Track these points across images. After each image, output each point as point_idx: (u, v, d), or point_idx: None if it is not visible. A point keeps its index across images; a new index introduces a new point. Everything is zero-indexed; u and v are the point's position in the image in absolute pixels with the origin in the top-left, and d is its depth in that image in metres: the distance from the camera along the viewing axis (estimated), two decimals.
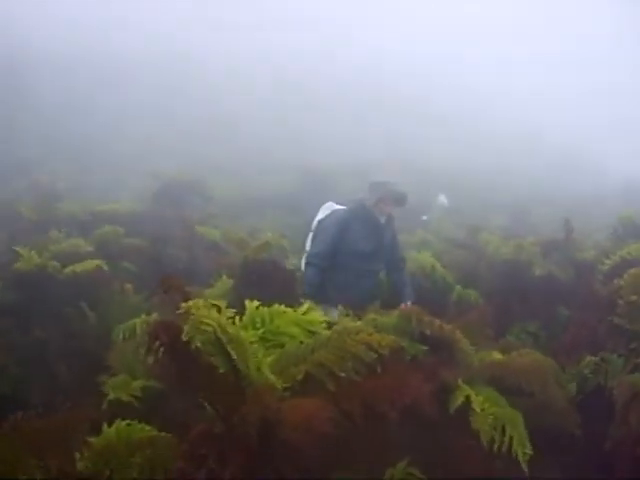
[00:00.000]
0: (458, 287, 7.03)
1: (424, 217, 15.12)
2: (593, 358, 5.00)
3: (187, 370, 3.02)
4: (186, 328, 2.97)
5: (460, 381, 3.98)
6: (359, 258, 6.35)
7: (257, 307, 3.53)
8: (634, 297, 4.89)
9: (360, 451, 3.19)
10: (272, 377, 3.05)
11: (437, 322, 4.25)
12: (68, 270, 7.09)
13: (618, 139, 36.04)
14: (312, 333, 3.53)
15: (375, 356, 3.29)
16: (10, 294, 6.95)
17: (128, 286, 7.14)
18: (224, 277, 6.64)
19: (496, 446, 3.64)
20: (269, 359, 3.30)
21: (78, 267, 7.05)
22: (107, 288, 7.18)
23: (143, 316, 5.79)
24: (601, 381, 4.87)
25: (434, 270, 7.36)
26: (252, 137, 23.93)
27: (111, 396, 4.62)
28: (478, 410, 3.76)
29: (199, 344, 2.91)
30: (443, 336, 4.22)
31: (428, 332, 4.22)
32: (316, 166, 16.81)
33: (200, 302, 3.08)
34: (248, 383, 2.99)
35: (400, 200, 6.48)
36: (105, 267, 7.24)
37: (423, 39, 44.13)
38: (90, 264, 7.11)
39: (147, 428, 3.56)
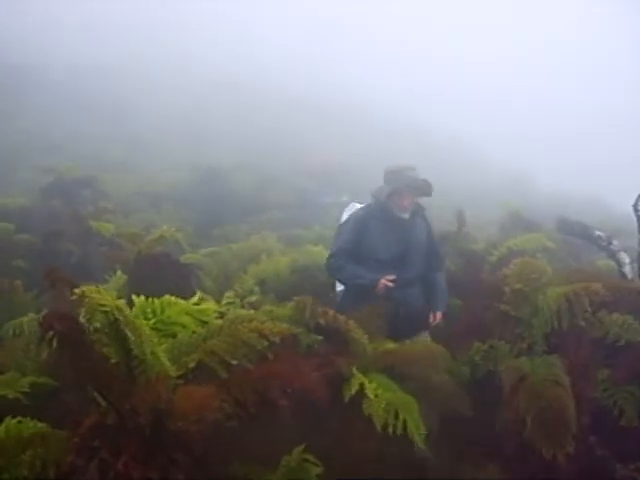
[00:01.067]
0: None
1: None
2: (482, 345, 5.19)
3: (80, 361, 2.97)
4: (83, 311, 2.93)
5: (354, 369, 4.07)
6: (382, 267, 5.17)
7: (147, 298, 3.51)
8: (519, 285, 5.10)
9: (255, 438, 3.22)
10: (168, 363, 3.04)
11: (331, 312, 4.33)
12: None
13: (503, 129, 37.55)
14: (204, 323, 3.54)
15: (267, 344, 3.33)
16: None
17: (17, 283, 6.91)
18: (118, 272, 6.52)
19: (390, 430, 3.75)
20: (162, 347, 3.26)
21: None
22: None
23: (31, 314, 5.67)
24: (491, 366, 5.05)
25: None
26: (152, 134, 23.53)
27: None
28: (371, 396, 3.86)
29: (98, 325, 2.88)
30: (337, 326, 4.31)
31: (323, 322, 4.31)
32: (214, 163, 16.67)
33: (94, 288, 3.04)
34: (141, 372, 2.98)
35: (421, 188, 5.30)
36: None
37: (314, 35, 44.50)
38: None
39: (39, 425, 3.49)
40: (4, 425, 3.45)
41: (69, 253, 8.88)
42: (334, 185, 18.82)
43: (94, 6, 36.62)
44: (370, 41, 47.97)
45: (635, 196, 6.68)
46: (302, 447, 3.39)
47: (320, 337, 4.27)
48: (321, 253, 7.53)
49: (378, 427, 3.74)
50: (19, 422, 3.49)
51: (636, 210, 6.67)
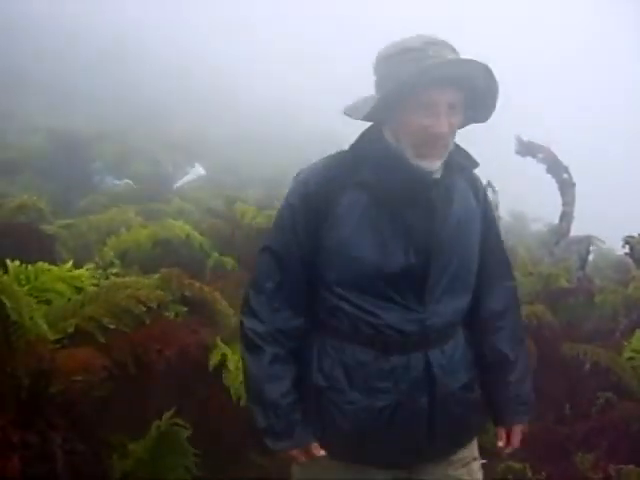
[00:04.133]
0: (215, 254, 7.23)
1: (177, 184, 15.11)
2: None
3: None
4: None
5: (219, 340, 4.21)
6: (375, 293, 2.34)
7: (21, 263, 3.53)
8: None
9: (129, 401, 3.33)
10: (45, 327, 3.08)
11: (197, 284, 4.46)
12: None
13: None
14: (79, 289, 3.58)
15: (144, 309, 3.42)
16: None
17: None
18: None
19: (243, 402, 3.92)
20: (39, 313, 3.29)
21: None
22: None
23: None
24: None
25: (190, 238, 7.49)
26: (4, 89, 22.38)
27: None
28: (232, 368, 4.02)
29: None
30: (203, 298, 4.44)
31: (188, 294, 4.43)
32: (74, 129, 16.15)
33: None
34: (19, 336, 3.01)
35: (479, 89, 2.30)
36: None
37: None
38: None
39: None
40: None
41: None
42: (194, 156, 18.70)
43: None
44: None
45: None
46: (172, 411, 3.50)
47: (185, 308, 4.38)
48: (182, 228, 7.58)
49: (234, 398, 3.91)
50: None
51: None
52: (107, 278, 4.97)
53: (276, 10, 51.27)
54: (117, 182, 14.31)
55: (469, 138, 2.72)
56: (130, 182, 14.45)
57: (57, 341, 3.17)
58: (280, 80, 39.16)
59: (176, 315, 4.24)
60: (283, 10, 51.39)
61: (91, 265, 6.09)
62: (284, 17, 51.39)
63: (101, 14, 36.33)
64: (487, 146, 12.99)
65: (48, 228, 7.93)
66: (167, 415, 3.45)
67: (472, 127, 2.48)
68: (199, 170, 16.64)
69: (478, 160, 2.53)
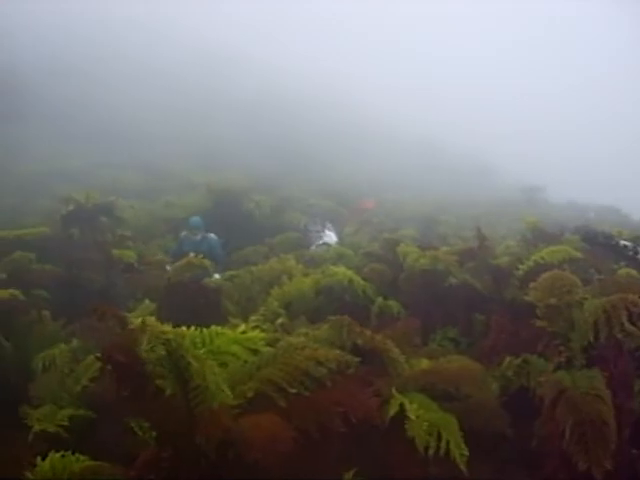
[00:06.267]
0: (379, 299, 7.07)
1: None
2: (515, 360, 5.14)
3: (140, 393, 2.93)
4: (145, 340, 2.90)
5: (394, 390, 4.04)
6: None
7: (196, 328, 3.49)
8: (553, 300, 5.05)
9: (312, 465, 3.19)
10: (229, 392, 3.01)
11: (368, 332, 4.31)
12: None
13: (512, 142, 37.68)
14: (254, 351, 3.50)
15: (325, 371, 3.30)
16: None
17: (45, 313, 6.92)
18: (146, 300, 6.50)
19: (432, 451, 3.72)
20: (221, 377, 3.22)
21: None
22: (23, 317, 6.94)
23: (62, 345, 5.67)
24: (524, 381, 5.01)
25: (352, 283, 7.38)
26: (166, 159, 23.64)
27: (37, 428, 4.47)
28: (413, 417, 3.82)
29: (163, 353, 2.83)
30: (374, 346, 4.28)
31: (360, 343, 4.28)
32: (229, 185, 16.68)
33: (152, 318, 3.03)
34: (199, 402, 2.94)
35: None
36: (20, 296, 6.99)
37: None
38: (4, 293, 6.86)
39: (81, 458, 3.46)
40: (48, 460, 3.41)
41: (92, 281, 8.89)
42: None
43: None
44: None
45: None
46: (352, 472, 3.34)
47: (358, 358, 4.23)
48: (345, 273, 7.48)
49: (420, 449, 3.70)
50: (62, 456, 3.46)
51: None
52: (275, 331, 4.91)
53: None
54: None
55: None
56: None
57: (237, 405, 3.09)
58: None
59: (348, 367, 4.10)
60: None
61: (257, 316, 6.17)
62: None
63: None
64: None
65: (209, 281, 8.09)
66: (348, 476, 3.29)
67: None
68: (330, 237, 14.75)
69: None
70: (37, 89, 28.61)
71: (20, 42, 33.69)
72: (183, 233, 11.16)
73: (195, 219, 11.32)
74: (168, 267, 9.22)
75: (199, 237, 10.82)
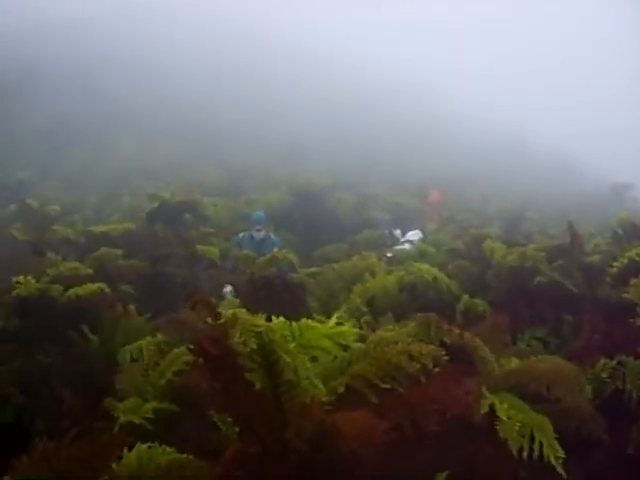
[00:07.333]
0: (465, 297, 6.91)
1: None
2: (610, 362, 4.94)
3: (232, 386, 2.88)
4: (237, 332, 2.85)
5: (484, 389, 3.90)
6: None
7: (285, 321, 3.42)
8: None
9: (404, 462, 3.09)
10: (322, 387, 2.94)
11: (456, 330, 4.18)
12: (70, 294, 6.94)
13: (598, 140, 36.66)
14: (344, 346, 3.41)
15: (418, 366, 3.20)
16: (11, 320, 6.81)
17: (131, 307, 7.02)
18: (230, 295, 6.52)
19: (525, 453, 3.57)
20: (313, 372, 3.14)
21: (80, 290, 6.90)
22: (109, 311, 7.06)
23: (148, 338, 5.73)
24: (619, 384, 4.81)
25: (437, 280, 7.24)
26: (242, 156, 23.91)
27: (122, 419, 4.50)
28: (504, 418, 3.68)
29: (254, 346, 2.78)
30: (463, 344, 4.16)
31: (448, 340, 4.16)
32: (311, 183, 16.70)
33: (243, 311, 2.97)
34: (290, 397, 2.87)
35: None
36: (107, 290, 7.11)
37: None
38: (92, 287, 6.97)
39: (168, 450, 3.45)
40: (135, 451, 3.41)
41: (175, 277, 9.00)
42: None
43: None
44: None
45: None
46: (446, 474, 3.23)
47: (446, 356, 4.11)
48: (429, 270, 7.35)
49: (514, 451, 3.56)
50: (149, 448, 3.45)
51: None
52: (360, 327, 4.83)
53: None
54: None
55: None
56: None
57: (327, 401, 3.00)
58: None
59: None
60: None
61: (340, 313, 6.10)
62: None
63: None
64: None
65: (296, 277, 8.07)
66: (440, 477, 3.18)
67: None
68: (415, 236, 14.33)
69: None
70: (119, 89, 29.31)
71: (101, 38, 34.62)
72: (241, 234, 10.90)
73: (258, 213, 11.15)
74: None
75: (262, 235, 10.54)
